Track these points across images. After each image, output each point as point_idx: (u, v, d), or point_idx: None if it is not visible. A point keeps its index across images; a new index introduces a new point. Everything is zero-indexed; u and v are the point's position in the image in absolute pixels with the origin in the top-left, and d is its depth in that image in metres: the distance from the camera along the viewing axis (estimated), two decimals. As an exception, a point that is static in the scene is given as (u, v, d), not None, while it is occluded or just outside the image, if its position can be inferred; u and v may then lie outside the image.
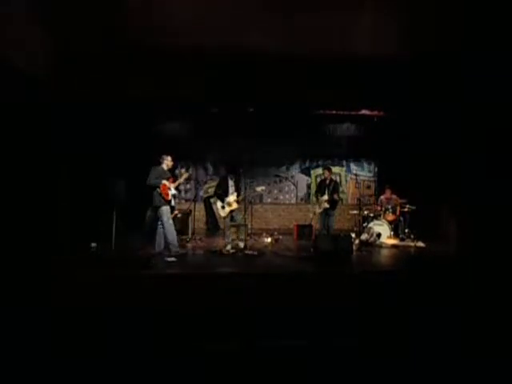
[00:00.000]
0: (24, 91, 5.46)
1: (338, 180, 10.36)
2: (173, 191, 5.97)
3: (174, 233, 5.86)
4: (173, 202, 6.04)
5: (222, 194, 6.74)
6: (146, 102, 7.91)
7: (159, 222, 5.89)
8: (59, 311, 3.49)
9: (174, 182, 6.11)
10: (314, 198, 7.57)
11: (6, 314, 3.34)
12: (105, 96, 7.06)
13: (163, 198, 5.76)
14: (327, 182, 7.22)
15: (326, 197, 7.05)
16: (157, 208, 5.81)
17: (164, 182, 5.82)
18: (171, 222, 5.85)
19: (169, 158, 6.03)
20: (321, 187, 7.33)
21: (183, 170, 8.09)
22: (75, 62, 6.23)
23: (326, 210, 7.09)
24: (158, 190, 5.73)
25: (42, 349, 2.82)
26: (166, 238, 5.81)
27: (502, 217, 6.18)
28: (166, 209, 5.80)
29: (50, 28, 5.56)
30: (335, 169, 10.57)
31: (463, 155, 7.33)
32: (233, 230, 6.95)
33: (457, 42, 5.95)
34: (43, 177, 5.96)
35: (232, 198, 6.67)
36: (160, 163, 5.99)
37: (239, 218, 6.86)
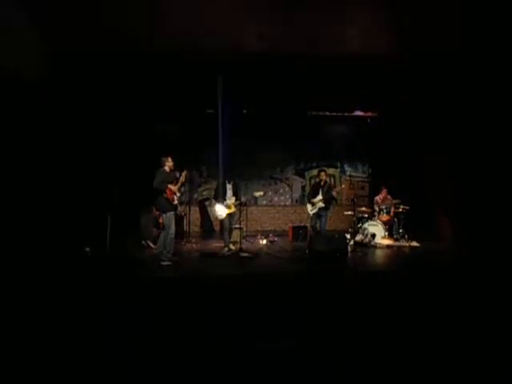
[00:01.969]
0: (23, 93, 5.45)
1: (332, 181, 10.44)
2: (178, 194, 5.87)
3: (173, 240, 5.76)
4: (178, 206, 5.96)
5: (221, 198, 6.74)
6: (140, 103, 7.93)
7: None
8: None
9: (175, 185, 5.92)
10: (307, 201, 7.43)
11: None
12: (100, 97, 7.07)
13: (170, 203, 5.67)
14: (322, 183, 7.19)
15: (320, 196, 7.02)
16: (162, 213, 5.73)
17: (170, 186, 5.69)
18: (173, 228, 5.73)
19: (169, 159, 5.88)
20: (314, 189, 7.29)
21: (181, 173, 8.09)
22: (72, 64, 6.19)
23: (319, 210, 7.03)
24: (164, 195, 5.61)
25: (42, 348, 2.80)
26: (163, 243, 5.71)
27: (497, 216, 6.25)
28: (171, 215, 5.70)
29: (48, 32, 5.53)
30: (329, 170, 10.60)
31: (459, 158, 7.43)
32: (230, 232, 6.94)
33: (456, 43, 5.99)
34: (40, 178, 5.92)
35: (230, 201, 6.68)
36: (162, 166, 5.84)
37: (235, 220, 6.88)
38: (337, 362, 2.67)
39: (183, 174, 6.12)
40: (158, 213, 6.89)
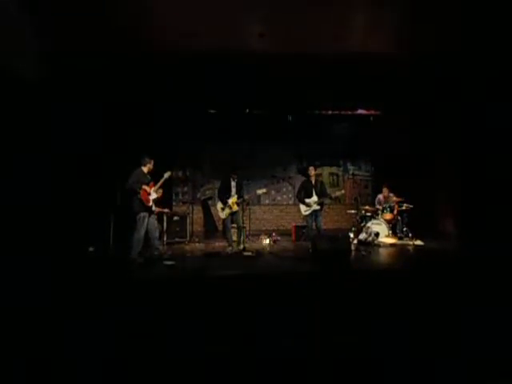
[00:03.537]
0: (22, 93, 5.47)
1: (335, 179, 10.45)
2: (153, 196, 5.70)
3: (140, 242, 5.58)
4: (153, 207, 5.78)
5: (224, 196, 6.66)
6: (142, 103, 7.94)
7: (155, 226, 5.81)
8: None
9: (152, 186, 5.78)
10: (299, 201, 6.94)
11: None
12: (102, 97, 7.09)
13: (143, 204, 5.55)
14: (312, 182, 6.80)
15: (315, 198, 6.68)
16: (135, 214, 5.56)
17: (144, 187, 5.58)
18: (142, 232, 5.56)
19: (151, 162, 5.78)
20: (306, 188, 6.81)
21: (183, 173, 7.97)
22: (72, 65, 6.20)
23: (314, 211, 6.70)
24: (138, 195, 5.52)
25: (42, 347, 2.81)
26: (130, 240, 5.57)
27: (502, 214, 6.21)
28: (143, 216, 5.55)
29: (48, 32, 5.53)
30: (332, 169, 10.59)
31: (462, 156, 7.39)
32: (233, 231, 6.91)
33: (456, 43, 5.95)
34: (42, 178, 5.94)
35: (232, 200, 6.64)
36: (140, 165, 5.72)
37: (239, 219, 6.81)
38: (338, 362, 2.65)
39: (164, 176, 5.91)
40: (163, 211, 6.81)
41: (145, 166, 5.74)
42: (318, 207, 6.67)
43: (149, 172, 5.80)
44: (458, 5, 5.12)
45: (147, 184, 5.67)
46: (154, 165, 5.88)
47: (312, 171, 6.83)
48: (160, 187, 5.82)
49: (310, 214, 6.72)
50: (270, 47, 6.31)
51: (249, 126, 9.52)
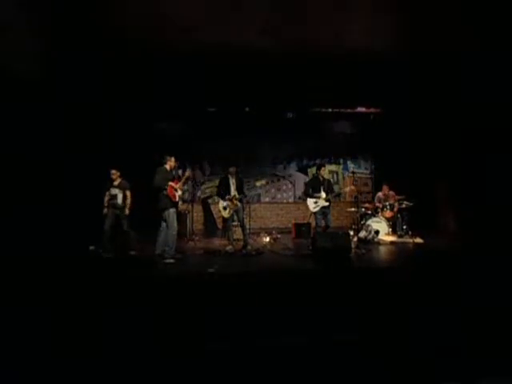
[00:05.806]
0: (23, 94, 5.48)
1: (335, 177, 10.48)
2: (179, 192, 5.85)
3: (175, 237, 5.75)
4: (180, 203, 5.95)
5: (224, 194, 6.58)
6: (141, 102, 7.94)
7: (163, 224, 5.78)
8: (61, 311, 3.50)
9: (177, 183, 5.92)
10: (306, 197, 7.03)
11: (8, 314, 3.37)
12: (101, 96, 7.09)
13: (170, 199, 5.66)
14: (321, 180, 6.93)
15: (323, 194, 6.78)
16: (163, 210, 5.68)
17: (170, 183, 5.71)
18: (175, 225, 5.73)
19: (172, 159, 5.90)
20: (314, 185, 6.94)
21: (183, 171, 8.02)
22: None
23: (322, 208, 6.79)
24: (164, 192, 5.62)
25: (42, 347, 2.82)
26: (166, 240, 5.70)
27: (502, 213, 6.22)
28: (172, 211, 5.69)
29: (47, 31, 5.53)
30: (332, 166, 10.59)
31: (462, 154, 7.40)
32: (234, 230, 6.89)
33: (456, 42, 5.95)
34: (43, 177, 5.96)
35: (233, 196, 6.55)
36: (163, 164, 5.85)
37: (239, 216, 6.69)
38: (339, 361, 2.67)
39: (187, 172, 6.21)
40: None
41: (167, 163, 5.86)
42: (326, 203, 6.78)
43: (171, 169, 5.93)
44: (458, 5, 5.11)
45: (172, 181, 5.80)
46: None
47: (323, 171, 7.03)
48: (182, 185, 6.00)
49: (319, 211, 6.81)
50: (271, 45, 6.30)
51: (249, 124, 9.51)
